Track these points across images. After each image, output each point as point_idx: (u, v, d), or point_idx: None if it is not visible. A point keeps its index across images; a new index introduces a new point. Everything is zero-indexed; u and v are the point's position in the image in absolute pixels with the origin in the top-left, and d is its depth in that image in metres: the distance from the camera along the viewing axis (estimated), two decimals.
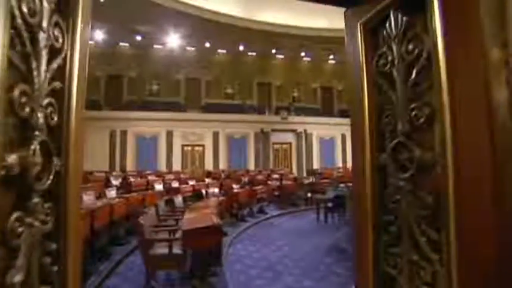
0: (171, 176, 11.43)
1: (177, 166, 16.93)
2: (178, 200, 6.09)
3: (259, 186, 8.87)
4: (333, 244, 5.78)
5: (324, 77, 22.70)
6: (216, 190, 8.69)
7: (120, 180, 9.54)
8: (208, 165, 17.36)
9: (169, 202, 6.01)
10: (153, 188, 8.43)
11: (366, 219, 1.17)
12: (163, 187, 8.52)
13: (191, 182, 9.58)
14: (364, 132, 1.18)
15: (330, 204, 7.78)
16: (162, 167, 16.74)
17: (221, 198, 6.31)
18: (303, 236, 6.56)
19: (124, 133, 16.50)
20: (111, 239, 4.79)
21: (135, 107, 17.74)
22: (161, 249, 3.53)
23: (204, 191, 7.97)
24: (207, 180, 10.37)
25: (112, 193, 6.59)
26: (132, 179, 9.67)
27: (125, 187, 8.60)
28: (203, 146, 17.57)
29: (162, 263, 3.39)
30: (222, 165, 17.41)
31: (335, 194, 7.81)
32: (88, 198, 5.74)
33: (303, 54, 21.38)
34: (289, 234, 6.76)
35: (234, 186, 8.97)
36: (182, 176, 11.86)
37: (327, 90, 22.94)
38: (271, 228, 7.47)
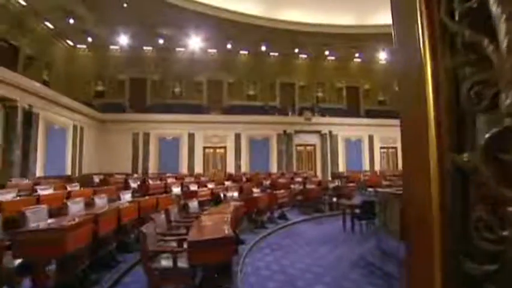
0: (192, 179, 11.20)
1: (198, 168, 16.81)
2: (194, 204, 5.76)
3: (281, 191, 8.38)
4: (361, 256, 5.18)
5: (349, 76, 21.85)
6: (236, 194, 8.32)
7: (138, 182, 9.42)
8: (230, 168, 17.09)
9: (185, 206, 5.68)
10: (170, 191, 8.20)
11: (430, 263, 0.68)
12: (181, 190, 8.27)
13: (210, 185, 9.26)
14: (425, 117, 0.70)
15: (357, 211, 7.15)
16: (184, 169, 16.68)
17: (239, 203, 5.90)
18: (327, 246, 6.00)
19: (146, 135, 16.62)
20: (120, 245, 4.51)
21: (158, 109, 17.88)
22: (166, 262, 3.16)
23: (222, 195, 7.62)
24: (227, 183, 10.02)
25: (127, 196, 6.39)
26: (150, 182, 9.53)
27: (143, 190, 8.43)
28: (225, 148, 17.34)
29: (165, 278, 3.02)
30: (244, 168, 17.08)
31: (363, 200, 7.17)
32: (101, 201, 5.55)
33: (327, 53, 20.68)
34: (312, 243, 6.23)
35: (255, 190, 8.55)
36: (202, 178, 11.60)
37: (352, 89, 22.05)
38: (292, 236, 6.96)
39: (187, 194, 7.54)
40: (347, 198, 10.36)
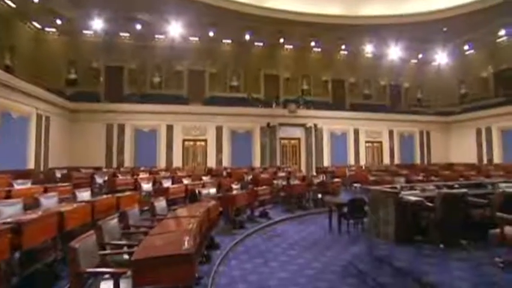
0: (167, 174, 10.37)
1: (177, 162, 15.94)
2: (161, 204, 4.99)
3: (263, 187, 7.71)
4: (350, 263, 4.58)
5: (335, 69, 21.35)
6: (214, 190, 7.58)
7: (106, 177, 8.51)
8: (211, 162, 16.31)
9: (151, 207, 4.91)
10: (140, 187, 7.39)
11: None
12: (153, 187, 7.47)
13: (186, 181, 8.49)
14: None
15: (344, 210, 6.59)
16: (162, 163, 15.77)
17: (214, 202, 5.17)
18: (312, 250, 5.39)
19: (121, 127, 15.56)
20: (63, 259, 3.71)
21: (135, 99, 16.81)
22: (105, 285, 2.43)
23: (198, 192, 6.87)
24: (205, 178, 9.26)
25: (85, 195, 5.55)
26: (120, 177, 8.65)
27: (110, 186, 7.58)
28: (205, 141, 16.50)
29: None
30: (226, 162, 16.33)
31: (351, 198, 6.60)
32: (48, 202, 4.70)
33: (313, 44, 20.04)
34: (296, 247, 5.61)
35: (234, 186, 7.84)
36: (180, 173, 10.80)
37: (338, 83, 21.58)
38: (274, 237, 6.32)
39: (159, 192, 6.76)
40: (333, 195, 9.84)
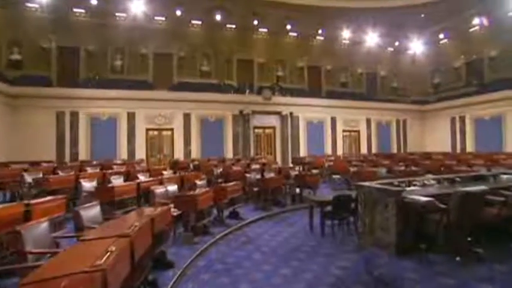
0: (124, 168, 8.92)
1: (141, 154, 14.38)
2: (91, 212, 3.69)
3: (233, 183, 6.54)
4: (341, 281, 3.57)
5: (311, 55, 20.36)
6: (174, 188, 6.32)
7: (41, 175, 6.95)
8: (179, 154, 14.89)
9: (75, 216, 3.60)
10: (81, 187, 5.98)
11: None
12: (97, 186, 6.08)
13: (142, 177, 7.15)
14: None
15: (328, 208, 5.60)
16: (123, 155, 14.14)
17: (162, 208, 3.93)
18: (293, 262, 4.34)
19: (75, 115, 13.70)
20: None
21: (93, 85, 14.86)
22: None
23: (152, 191, 5.58)
24: (166, 173, 7.93)
25: None
26: (61, 174, 7.13)
27: (43, 186, 6.09)
28: (172, 130, 15.01)
29: None
30: (195, 153, 14.98)
31: (336, 194, 5.62)
32: None
33: (288, 27, 18.89)
34: (272, 258, 4.53)
35: (198, 182, 6.61)
36: (138, 167, 9.38)
37: (314, 69, 20.65)
38: (245, 244, 5.21)
39: (101, 192, 5.40)
40: (312, 189, 8.92)
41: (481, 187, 3.52)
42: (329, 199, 5.62)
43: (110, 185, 5.56)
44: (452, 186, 4.77)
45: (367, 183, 4.22)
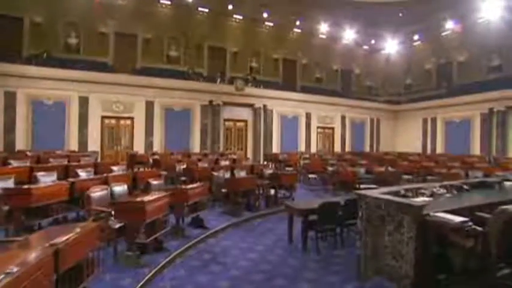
0: (64, 162, 7.36)
1: (94, 146, 12.59)
2: None
3: (195, 185, 5.34)
4: None
5: (287, 47, 19.44)
6: (122, 189, 5.00)
7: None
8: (140, 146, 13.29)
9: None
10: None
11: None
12: (14, 187, 4.61)
13: (83, 174, 5.72)
14: None
15: (311, 217, 4.62)
16: (73, 146, 12.29)
17: (88, 226, 2.69)
18: None
19: (11, 95, 11.60)
20: None
21: (41, 63, 12.72)
22: None
23: (95, 194, 4.23)
24: (115, 168, 6.53)
25: None
26: None
27: None
28: (131, 119, 13.35)
29: None
30: (158, 146, 13.47)
31: (322, 203, 4.64)
32: None
33: (265, 15, 17.79)
34: (243, 285, 3.45)
35: (154, 182, 5.34)
36: (82, 161, 7.84)
37: (289, 63, 19.78)
38: (209, 264, 4.08)
39: (14, 195, 3.98)
40: (288, 190, 7.96)
41: None
42: (313, 207, 4.65)
43: (25, 187, 4.12)
44: (462, 195, 3.97)
45: (370, 193, 3.27)
